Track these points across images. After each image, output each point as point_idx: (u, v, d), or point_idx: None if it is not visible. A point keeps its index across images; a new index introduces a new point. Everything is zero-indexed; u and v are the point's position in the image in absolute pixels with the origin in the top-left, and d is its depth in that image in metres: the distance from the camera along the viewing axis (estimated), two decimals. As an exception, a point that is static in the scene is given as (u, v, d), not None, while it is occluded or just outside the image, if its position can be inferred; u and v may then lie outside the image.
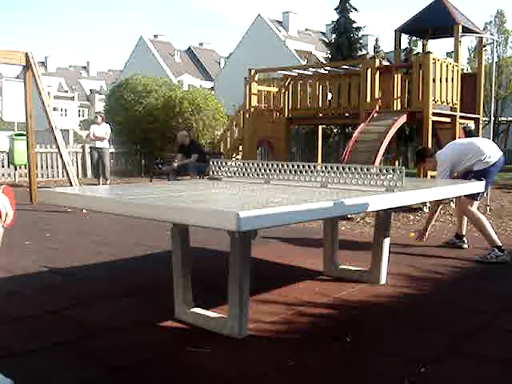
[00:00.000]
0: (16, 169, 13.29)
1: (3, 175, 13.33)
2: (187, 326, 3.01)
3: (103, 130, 11.28)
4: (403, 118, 8.41)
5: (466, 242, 5.42)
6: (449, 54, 27.21)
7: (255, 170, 3.84)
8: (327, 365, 2.54)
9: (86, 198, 3.06)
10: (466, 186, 4.17)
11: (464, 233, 5.41)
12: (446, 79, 8.81)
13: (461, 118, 9.27)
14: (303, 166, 3.65)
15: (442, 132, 9.94)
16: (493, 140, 10.01)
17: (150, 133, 15.60)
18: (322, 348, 2.75)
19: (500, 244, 4.85)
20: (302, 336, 2.91)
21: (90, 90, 65.57)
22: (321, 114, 10.68)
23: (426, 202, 7.66)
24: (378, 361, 2.61)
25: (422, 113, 8.35)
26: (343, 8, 25.81)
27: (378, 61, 9.56)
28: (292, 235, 5.84)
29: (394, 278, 4.06)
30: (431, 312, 3.36)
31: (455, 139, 8.94)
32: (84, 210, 6.87)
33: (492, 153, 4.99)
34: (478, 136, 9.90)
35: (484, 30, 20.89)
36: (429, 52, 9.25)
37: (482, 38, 10.48)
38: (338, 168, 3.52)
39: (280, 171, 3.71)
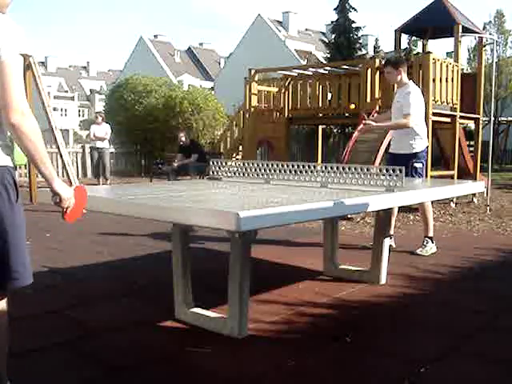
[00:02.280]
0: (16, 169, 13.25)
1: (3, 175, 13.32)
2: (187, 326, 3.01)
3: (103, 130, 11.29)
4: (403, 118, 8.40)
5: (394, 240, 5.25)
6: (449, 54, 27.21)
7: (255, 169, 3.84)
8: (327, 365, 2.54)
9: (85, 198, 3.05)
10: (466, 186, 4.17)
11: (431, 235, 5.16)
12: (446, 79, 8.80)
13: (461, 117, 9.27)
14: (303, 166, 3.65)
15: (441, 132, 9.93)
16: (493, 140, 10.04)
17: (150, 133, 15.61)
18: (322, 348, 2.75)
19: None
20: (302, 336, 2.91)
21: (90, 90, 65.59)
22: (321, 114, 10.67)
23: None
24: (378, 361, 2.61)
25: (422, 113, 8.34)
26: (343, 8, 25.84)
27: (378, 61, 9.55)
28: (292, 235, 5.84)
29: (394, 278, 4.06)
30: (431, 312, 3.36)
31: (455, 139, 8.98)
32: (84, 210, 6.87)
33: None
34: (478, 137, 9.90)
35: (483, 29, 20.89)
36: (429, 52, 9.24)
37: (481, 37, 10.47)
38: (337, 168, 3.52)
39: (280, 171, 3.71)
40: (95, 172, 11.95)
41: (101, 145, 11.31)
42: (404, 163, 4.86)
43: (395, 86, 5.45)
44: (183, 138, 10.37)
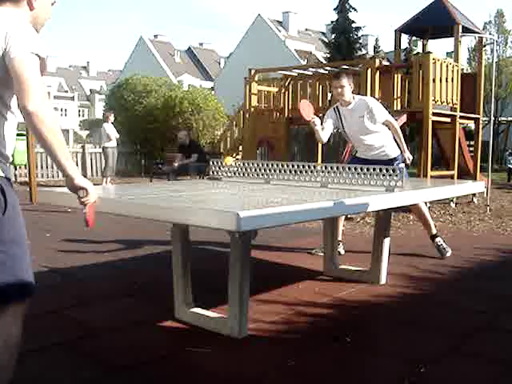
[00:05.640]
0: (16, 169, 13.29)
1: (3, 175, 13.31)
2: (187, 326, 3.01)
3: (113, 128, 11.30)
4: (403, 118, 8.41)
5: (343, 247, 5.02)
6: (449, 54, 27.25)
7: (255, 169, 3.84)
8: (327, 365, 2.54)
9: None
10: (466, 186, 4.17)
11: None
12: (446, 79, 8.80)
13: (461, 117, 9.27)
14: (303, 166, 3.65)
15: (442, 132, 9.94)
16: (493, 140, 10.04)
17: (150, 133, 15.61)
18: (322, 348, 2.75)
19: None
20: (302, 336, 2.91)
21: (90, 90, 65.59)
22: (321, 114, 10.65)
23: (425, 202, 7.67)
24: (378, 361, 2.61)
25: (422, 113, 8.35)
26: (343, 8, 25.88)
27: (378, 61, 9.55)
28: (292, 235, 5.84)
29: (393, 278, 4.06)
30: (431, 312, 3.36)
31: (455, 139, 8.98)
32: (84, 210, 6.87)
33: None
34: (478, 137, 9.89)
35: (483, 29, 20.90)
36: (429, 52, 9.24)
37: (481, 37, 10.47)
38: (337, 168, 3.52)
39: (280, 171, 3.71)
40: (111, 171, 11.83)
41: (115, 144, 11.34)
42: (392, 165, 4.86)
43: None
44: (183, 136, 10.38)
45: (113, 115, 11.41)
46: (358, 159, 4.82)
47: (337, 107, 4.86)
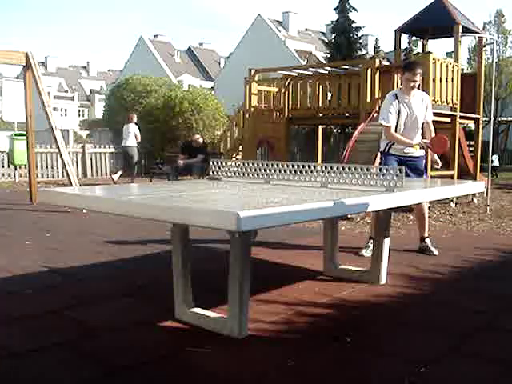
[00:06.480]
0: (16, 169, 13.29)
1: (3, 175, 13.32)
2: (187, 326, 3.01)
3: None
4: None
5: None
6: (449, 54, 27.26)
7: (255, 169, 3.84)
8: (327, 365, 2.54)
9: (86, 197, 3.06)
10: (466, 186, 4.17)
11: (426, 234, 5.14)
12: (446, 79, 8.81)
13: (461, 118, 9.27)
14: (303, 166, 3.65)
15: (441, 132, 9.93)
16: (493, 140, 10.04)
17: (150, 133, 15.61)
18: (322, 348, 2.74)
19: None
20: (302, 336, 2.91)
21: (90, 90, 65.62)
22: (321, 114, 10.68)
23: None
24: (378, 361, 2.61)
25: (422, 113, 8.35)
26: (343, 8, 25.87)
27: (378, 61, 9.56)
28: (292, 235, 5.84)
29: (393, 278, 4.06)
30: (431, 312, 3.36)
31: (455, 139, 8.98)
32: (84, 210, 6.87)
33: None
34: (478, 137, 9.89)
35: (483, 29, 20.90)
36: (429, 52, 9.25)
37: (481, 37, 10.47)
38: (338, 168, 3.52)
39: (280, 171, 3.71)
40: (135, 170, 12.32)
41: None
42: (421, 165, 5.01)
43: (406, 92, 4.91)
44: (200, 140, 10.63)
45: (136, 116, 11.89)
46: (394, 156, 4.99)
47: (396, 94, 4.97)
